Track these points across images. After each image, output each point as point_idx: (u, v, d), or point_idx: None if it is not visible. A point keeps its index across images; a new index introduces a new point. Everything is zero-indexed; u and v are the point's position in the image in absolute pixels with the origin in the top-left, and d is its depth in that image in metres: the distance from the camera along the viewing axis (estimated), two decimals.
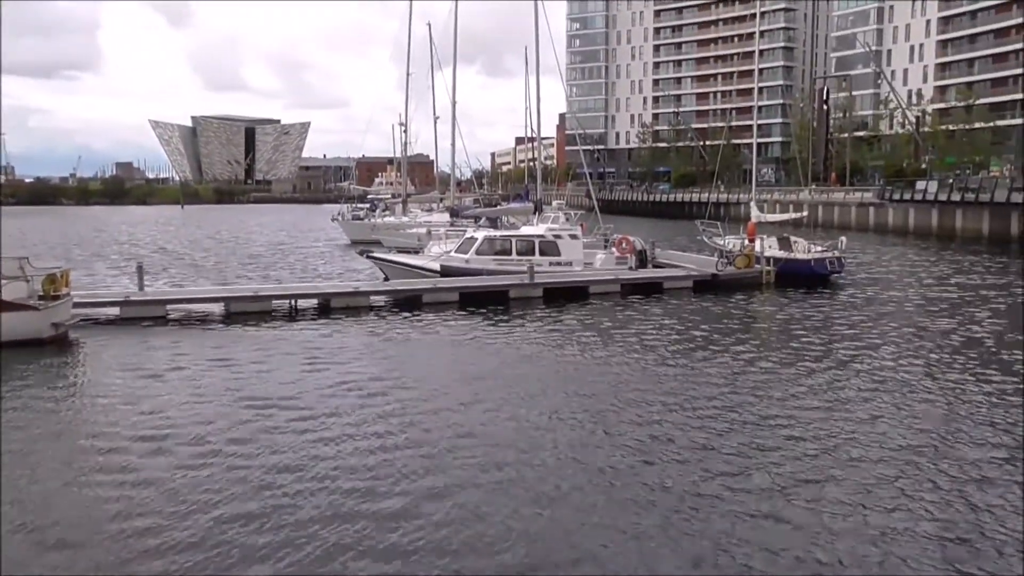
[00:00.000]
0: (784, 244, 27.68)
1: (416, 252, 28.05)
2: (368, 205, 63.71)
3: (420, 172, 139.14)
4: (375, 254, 27.27)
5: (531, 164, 61.43)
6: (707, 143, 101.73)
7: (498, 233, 27.48)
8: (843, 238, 28.25)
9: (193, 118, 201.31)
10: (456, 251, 26.12)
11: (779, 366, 14.59)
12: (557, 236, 26.12)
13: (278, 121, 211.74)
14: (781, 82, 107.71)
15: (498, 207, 42.71)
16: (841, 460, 9.59)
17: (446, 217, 42.61)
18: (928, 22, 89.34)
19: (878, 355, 15.47)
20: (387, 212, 55.20)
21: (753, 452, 9.86)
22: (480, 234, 26.70)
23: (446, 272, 24.86)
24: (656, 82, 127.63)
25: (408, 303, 22.35)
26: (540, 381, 13.51)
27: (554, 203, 30.33)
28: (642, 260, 27.26)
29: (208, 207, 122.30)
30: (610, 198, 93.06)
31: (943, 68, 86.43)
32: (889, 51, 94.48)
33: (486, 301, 22.28)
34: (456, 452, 9.91)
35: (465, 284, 23.30)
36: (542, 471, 9.23)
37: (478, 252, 25.61)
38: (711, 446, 10.13)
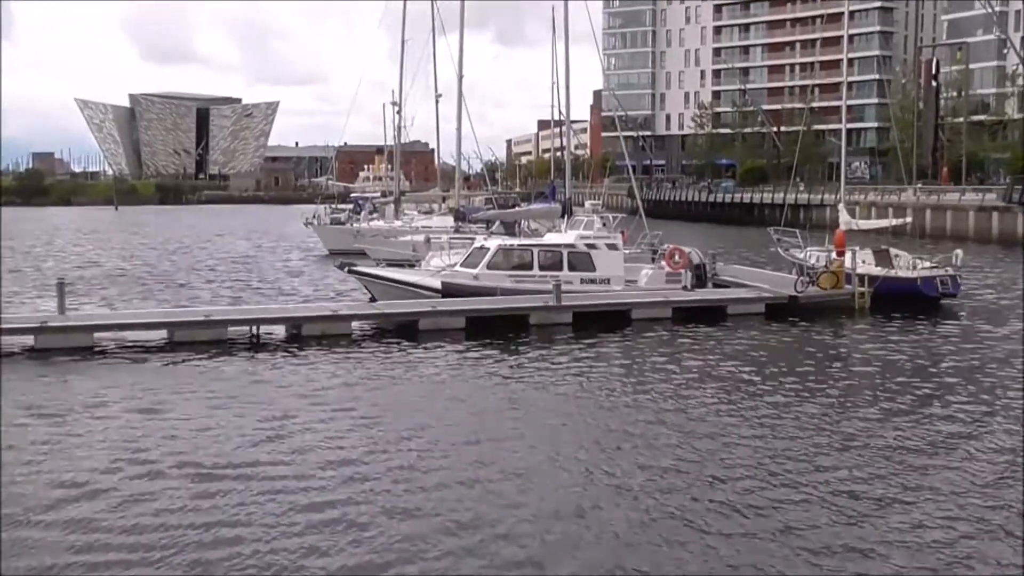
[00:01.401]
0: (882, 258, 27.99)
1: (411, 266, 28.38)
2: (351, 206, 64.18)
3: (417, 164, 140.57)
4: (359, 268, 27.63)
5: (558, 154, 61.73)
6: (782, 129, 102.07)
7: (516, 242, 27.79)
8: (958, 251, 28.28)
9: (131, 97, 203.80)
10: (462, 264, 26.52)
11: (882, 425, 14.28)
12: (591, 246, 26.61)
13: (238, 101, 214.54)
14: (877, 52, 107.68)
15: (516, 209, 43.27)
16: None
17: (449, 221, 43.19)
18: None
19: (1012, 415, 14.77)
20: (375, 215, 55.87)
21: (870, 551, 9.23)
22: (493, 243, 27.10)
23: (449, 291, 25.25)
24: (717, 52, 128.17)
25: (401, 331, 22.65)
26: (574, 443, 13.25)
27: (587, 204, 30.67)
28: (700, 278, 27.70)
29: (149, 208, 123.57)
30: (659, 198, 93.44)
31: None
32: (1017, 12, 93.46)
33: (500, 329, 22.63)
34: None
35: (473, 307, 23.62)
36: None
37: (490, 266, 26.04)
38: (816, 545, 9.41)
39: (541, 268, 26.24)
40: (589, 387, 17.08)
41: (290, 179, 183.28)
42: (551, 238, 28.15)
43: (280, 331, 22.44)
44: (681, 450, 12.96)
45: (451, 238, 33.43)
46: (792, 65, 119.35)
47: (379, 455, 12.87)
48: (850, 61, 56.93)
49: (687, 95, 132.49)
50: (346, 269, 27.49)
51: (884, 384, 17.44)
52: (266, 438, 13.65)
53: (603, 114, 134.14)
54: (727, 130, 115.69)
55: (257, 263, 44.57)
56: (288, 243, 59.23)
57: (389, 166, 79.52)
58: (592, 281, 26.36)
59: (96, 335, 20.77)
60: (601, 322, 23.61)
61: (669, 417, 14.93)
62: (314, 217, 55.46)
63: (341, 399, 16.17)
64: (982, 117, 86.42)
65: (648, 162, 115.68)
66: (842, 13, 44.28)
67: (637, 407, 15.57)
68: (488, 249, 26.74)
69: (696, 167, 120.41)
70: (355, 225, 50.24)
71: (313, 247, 53.27)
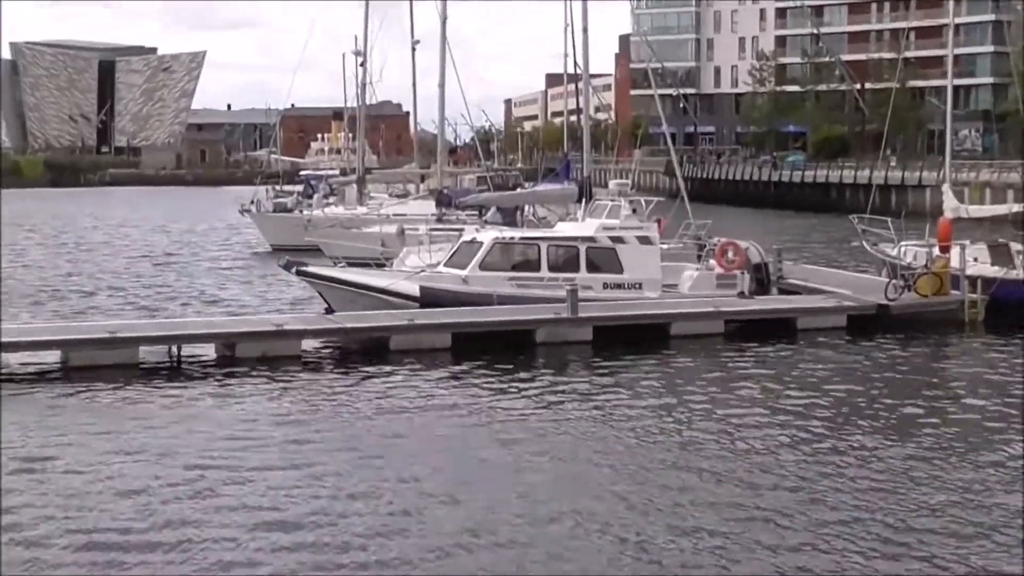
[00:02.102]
0: (1000, 255, 28.28)
1: (380, 266, 28.71)
2: (300, 187, 65.01)
3: (389, 132, 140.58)
4: (311, 269, 27.95)
5: (573, 119, 60.98)
6: (868, 86, 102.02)
7: (518, 234, 28.30)
8: None
9: (12, 47, 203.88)
10: (446, 264, 27.05)
11: (1012, 484, 14.20)
12: (617, 240, 27.12)
13: (152, 51, 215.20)
14: None
15: (518, 191, 43.70)
16: None
17: (430, 207, 43.91)
18: None
19: None
20: (332, 199, 56.55)
21: None
22: (487, 236, 27.64)
23: (430, 299, 25.72)
24: None
25: (366, 352, 23.15)
26: (597, 512, 13.06)
27: (612, 184, 30.59)
28: (761, 281, 28.19)
29: (36, 192, 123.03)
30: (706, 176, 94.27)
31: None
32: None
33: (496, 349, 23.05)
34: None
35: (461, 320, 24.11)
36: None
37: (484, 266, 26.57)
38: None
39: (551, 269, 26.71)
40: (614, 431, 17.22)
41: (220, 153, 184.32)
42: (564, 229, 28.66)
43: (208, 352, 22.86)
44: (749, 521, 12.83)
45: (432, 229, 33.83)
46: (880, 2, 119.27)
47: (331, 520, 12.95)
48: None
49: (742, 42, 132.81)
50: (294, 270, 27.74)
51: (1009, 424, 17.41)
52: (180, 496, 13.77)
53: (632, 67, 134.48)
54: (795, 88, 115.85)
55: (179, 264, 45.55)
56: (219, 237, 60.04)
57: (350, 135, 79.62)
58: (618, 286, 26.85)
59: None
60: (630, 340, 23.97)
61: (723, 466, 15.01)
62: (253, 203, 55.99)
63: (284, 443, 16.33)
64: None
65: (692, 129, 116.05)
66: None
67: (682, 458, 15.63)
68: (481, 244, 27.12)
69: (755, 136, 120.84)
70: (306, 213, 50.65)
71: (251, 242, 53.87)
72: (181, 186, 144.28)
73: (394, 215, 45.70)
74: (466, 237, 28.23)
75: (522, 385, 20.59)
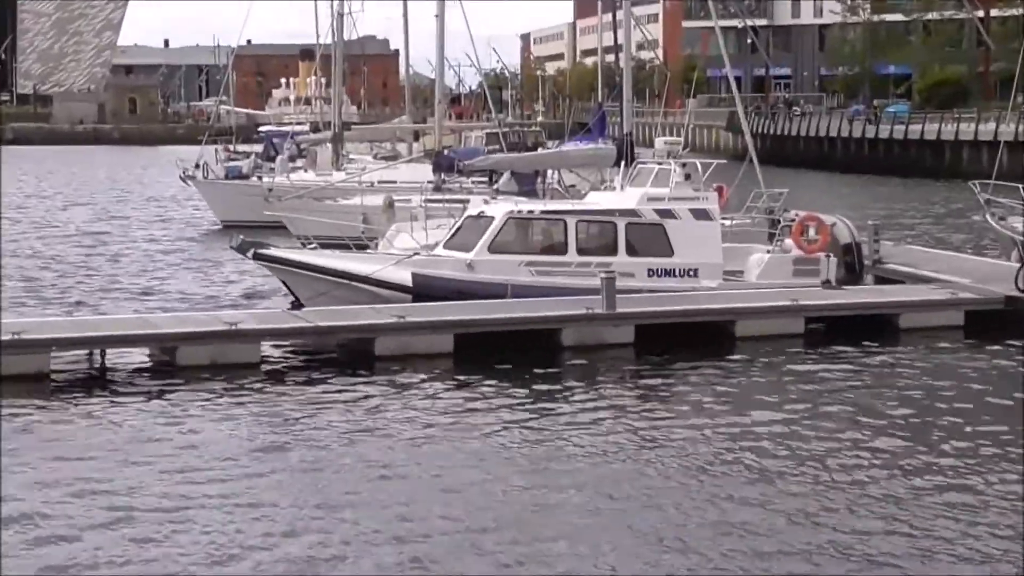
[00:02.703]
0: None
1: (362, 247, 29.23)
2: (260, 147, 65.79)
3: (373, 77, 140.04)
4: (272, 252, 28.19)
5: (609, 60, 61.46)
6: (992, 14, 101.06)
7: (538, 207, 28.52)
8: None
9: None
10: (447, 245, 27.35)
11: None
12: (665, 214, 27.32)
13: None
14: None
15: (539, 152, 43.76)
16: None
17: (426, 172, 44.11)
18: None
19: None
20: (300, 161, 57.35)
21: None
22: (499, 209, 27.86)
23: (425, 291, 26.08)
24: None
25: (345, 358, 23.44)
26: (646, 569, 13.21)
27: (660, 143, 30.43)
28: (852, 267, 28.31)
29: None
30: (780, 131, 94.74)
31: None
32: None
33: (511, 355, 23.35)
34: None
35: (466, 316, 24.34)
36: None
37: (495, 247, 26.87)
38: None
39: (581, 251, 26.97)
40: (666, 460, 17.26)
41: (156, 103, 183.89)
42: (598, 201, 28.82)
43: (140, 358, 23.04)
44: None
45: (428, 201, 33.56)
46: None
47: None
48: None
49: None
50: (250, 253, 27.93)
51: None
52: (102, 544, 13.84)
53: None
54: (898, 17, 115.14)
55: (103, 246, 45.74)
56: (154, 211, 60.46)
57: (323, 80, 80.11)
58: (668, 273, 27.08)
59: None
60: (683, 343, 24.22)
61: (813, 505, 15.09)
62: (198, 167, 56.18)
63: (235, 478, 16.42)
64: None
65: (763, 72, 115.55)
66: None
67: (758, 495, 15.63)
68: (491, 219, 27.33)
69: (844, 80, 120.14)
70: (266, 180, 50.40)
71: (197, 217, 54.47)
72: (105, 145, 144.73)
73: (380, 183, 45.78)
74: (472, 211, 28.39)
75: (545, 402, 20.74)
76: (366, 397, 20.94)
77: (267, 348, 23.77)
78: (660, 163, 29.10)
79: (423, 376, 22.32)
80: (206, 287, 34.77)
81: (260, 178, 53.21)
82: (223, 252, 38.27)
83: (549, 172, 35.17)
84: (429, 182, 41.29)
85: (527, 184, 34.24)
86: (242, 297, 32.29)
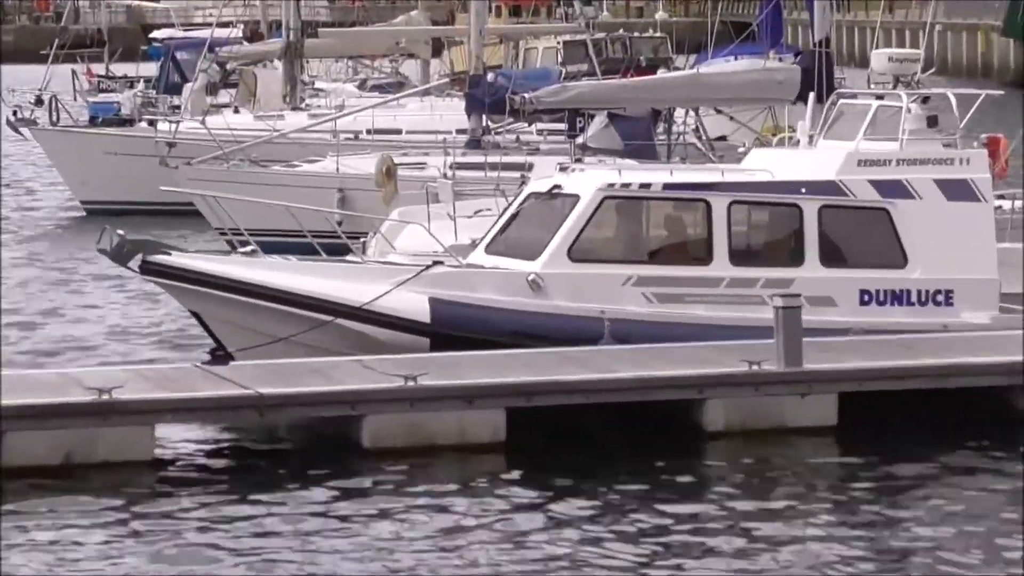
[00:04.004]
0: None
1: (341, 251, 23.63)
2: (156, 68, 55.18)
3: None
4: (174, 261, 22.57)
5: None
6: None
7: (657, 177, 23.10)
8: None
9: None
10: (492, 247, 22.53)
11: None
12: (893, 189, 22.20)
13: None
14: None
15: (659, 74, 38.47)
16: None
17: (455, 116, 37.52)
18: None
19: None
20: (224, 93, 48.10)
21: None
22: (586, 181, 22.62)
23: (450, 329, 21.62)
24: None
25: (306, 450, 19.37)
26: None
27: (881, 58, 25.21)
28: None
29: None
30: None
31: None
32: None
33: (612, 446, 18.98)
34: None
35: (527, 378, 19.48)
36: None
37: (578, 251, 21.90)
38: None
39: (737, 258, 21.93)
40: None
41: None
42: (767, 166, 23.28)
43: None
44: None
45: (458, 166, 29.90)
46: None
47: None
48: None
49: None
50: (135, 262, 22.37)
51: None
52: None
53: None
54: None
55: None
56: None
57: None
58: (897, 297, 21.98)
59: None
60: (927, 426, 19.83)
61: None
62: (41, 102, 47.69)
63: None
64: None
65: None
66: None
67: None
68: (573, 200, 21.97)
69: None
70: (165, 126, 40.17)
71: (41, 192, 46.14)
72: None
73: (371, 134, 38.17)
74: (536, 185, 23.12)
75: (677, 532, 15.96)
76: (345, 532, 16.16)
77: (166, 434, 18.68)
78: (881, 97, 23.61)
79: (450, 489, 17.16)
80: (59, 325, 27.91)
81: (153, 123, 42.74)
82: (88, 258, 31.84)
83: (678, 113, 30.84)
84: (460, 132, 35.15)
85: (637, 135, 29.49)
86: (119, 337, 26.41)
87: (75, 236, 37.68)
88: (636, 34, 55.82)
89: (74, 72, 53.19)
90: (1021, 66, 56.83)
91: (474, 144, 32.92)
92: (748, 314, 21.14)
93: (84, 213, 40.90)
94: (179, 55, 52.42)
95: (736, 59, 32.43)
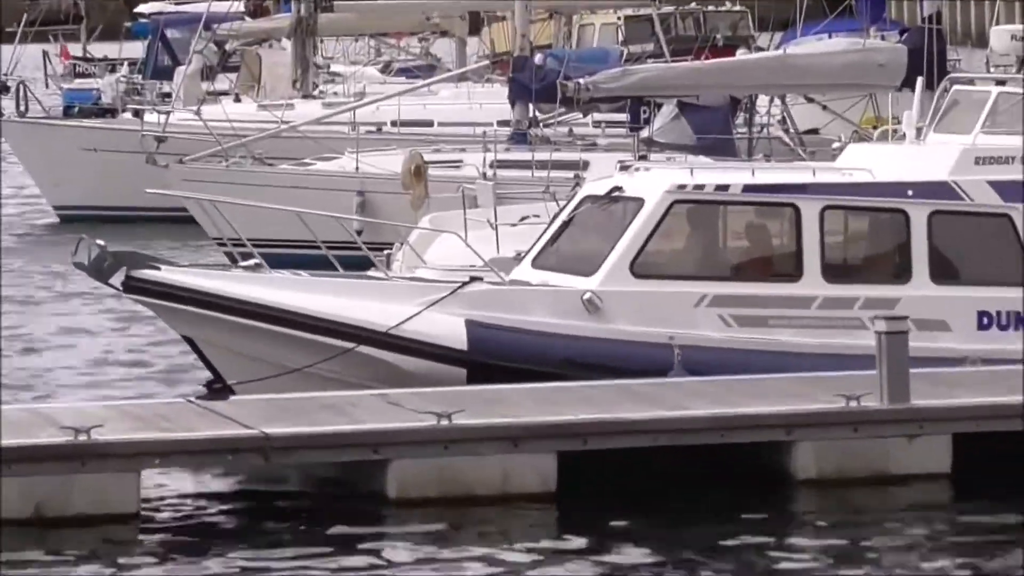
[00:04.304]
0: None
1: (363, 265, 22.01)
2: (142, 48, 50.90)
3: None
4: (164, 276, 20.86)
5: None
6: None
7: (737, 177, 21.86)
8: None
9: None
10: (540, 260, 21.14)
11: None
12: (1020, 191, 21.04)
13: None
14: None
15: (740, 56, 36.77)
16: None
17: (495, 104, 36.22)
18: None
19: None
20: (223, 77, 45.55)
21: None
22: (652, 182, 21.37)
23: (490, 357, 20.36)
24: None
25: (318, 502, 17.71)
26: None
27: (1002, 36, 29.10)
28: None
29: None
30: None
31: None
32: None
33: (684, 497, 17.79)
34: None
35: (582, 416, 18.26)
36: None
37: (643, 265, 20.68)
38: None
39: (832, 273, 20.54)
40: None
41: None
42: (867, 164, 21.95)
43: None
44: None
45: (499, 164, 28.75)
46: None
47: None
48: None
49: None
50: (118, 278, 20.64)
51: None
52: None
53: None
54: None
55: None
56: None
57: None
58: (1020, 321, 21.01)
59: None
60: None
61: None
62: (7, 89, 45.39)
63: None
64: None
65: None
66: None
67: None
68: (637, 204, 20.52)
69: None
70: (153, 116, 38.76)
71: (10, 199, 43.19)
72: None
73: (396, 126, 36.82)
74: (592, 187, 21.55)
75: None
76: None
77: (153, 482, 17.22)
78: (1003, 82, 22.93)
79: (490, 550, 15.64)
80: (29, 354, 26.04)
81: (139, 114, 40.79)
82: (63, 273, 30.82)
83: (761, 101, 29.65)
84: (502, 124, 33.77)
85: (713, 127, 28.22)
86: (94, 367, 24.92)
87: (47, 248, 35.96)
88: (711, 8, 53.10)
89: (46, 53, 51.03)
90: None
91: (519, 138, 31.59)
92: (845, 340, 19.53)
93: (57, 220, 38.70)
94: (169, 33, 50.10)
95: (830, 37, 30.69)
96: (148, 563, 15.04)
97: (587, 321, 19.64)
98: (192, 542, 15.83)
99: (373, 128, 35.48)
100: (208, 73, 43.47)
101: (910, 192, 20.49)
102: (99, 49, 55.89)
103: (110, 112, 42.25)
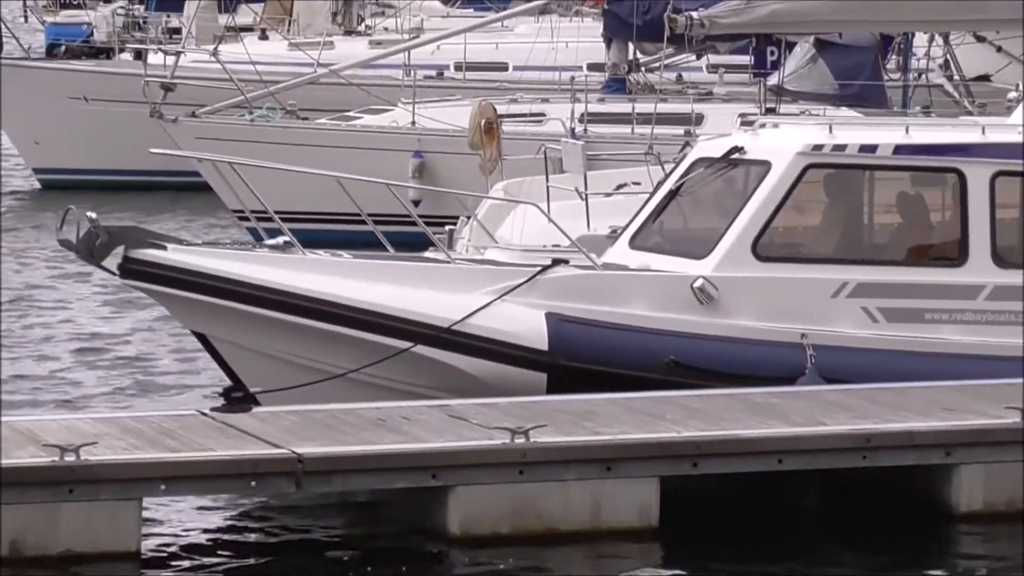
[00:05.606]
0: None
1: (422, 244, 20.05)
2: None
3: None
4: (170, 258, 18.88)
5: None
6: None
7: (887, 136, 19.87)
8: None
9: None
10: (637, 239, 19.52)
11: None
12: None
13: None
14: None
15: None
16: None
17: (580, 46, 33.63)
18: None
19: None
20: (241, 13, 40.29)
21: None
22: (781, 143, 20.08)
23: (576, 359, 18.68)
24: None
25: (362, 530, 16.35)
26: None
27: None
28: None
29: None
30: None
31: None
32: None
33: (801, 524, 16.93)
34: None
35: (692, 434, 17.55)
36: None
37: (766, 246, 19.31)
38: None
39: (1002, 256, 18.70)
40: None
41: None
42: None
43: None
44: None
45: (589, 118, 26.65)
46: None
47: None
48: None
49: None
50: (114, 259, 18.40)
51: None
52: None
53: None
54: None
55: None
56: None
57: None
58: None
59: None
60: None
61: None
62: None
63: None
64: None
65: None
66: None
67: None
68: (762, 169, 18.59)
69: None
70: (156, 58, 34.79)
71: None
72: None
73: (463, 72, 34.43)
74: (706, 148, 19.63)
75: None
76: None
77: (159, 513, 15.66)
78: None
79: None
80: (5, 355, 23.65)
81: (140, 55, 37.41)
82: (46, 253, 29.22)
83: (918, 40, 28.17)
84: (594, 69, 31.86)
85: (858, 73, 26.58)
86: (97, 375, 22.75)
87: (26, 220, 33.42)
88: None
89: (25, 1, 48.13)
90: None
91: (616, 87, 29.47)
92: (1019, 340, 17.29)
93: (39, 186, 35.95)
94: None
95: None
96: None
97: (698, 315, 17.54)
98: None
99: (433, 73, 33.31)
100: (226, 5, 39.22)
101: None
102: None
103: (105, 52, 39.00)
